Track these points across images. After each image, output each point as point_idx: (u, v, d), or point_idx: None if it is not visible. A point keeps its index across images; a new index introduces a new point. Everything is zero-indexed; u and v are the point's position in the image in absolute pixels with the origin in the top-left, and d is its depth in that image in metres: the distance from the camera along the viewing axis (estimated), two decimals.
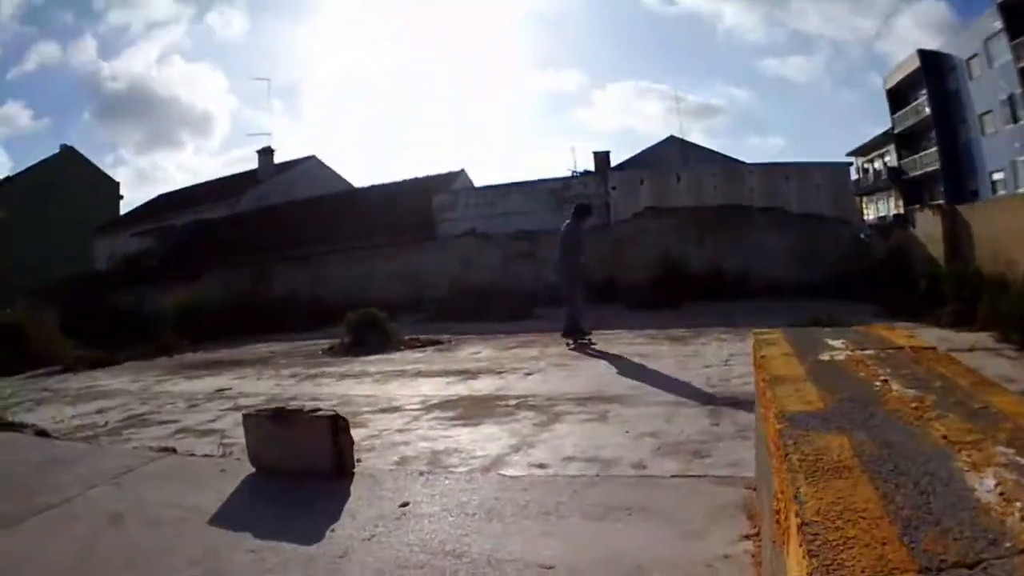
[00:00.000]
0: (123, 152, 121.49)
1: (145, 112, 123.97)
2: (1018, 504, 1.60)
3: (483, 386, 8.79)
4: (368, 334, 13.05)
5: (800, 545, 1.67)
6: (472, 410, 7.44)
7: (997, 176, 37.34)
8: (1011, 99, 35.34)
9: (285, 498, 4.61)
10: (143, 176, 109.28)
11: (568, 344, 11.64)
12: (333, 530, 3.99)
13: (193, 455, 5.96)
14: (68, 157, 51.46)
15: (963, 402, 2.33)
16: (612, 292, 18.27)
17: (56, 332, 16.07)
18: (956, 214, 14.39)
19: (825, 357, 3.15)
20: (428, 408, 7.72)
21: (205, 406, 8.57)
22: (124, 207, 51.17)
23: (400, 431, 6.76)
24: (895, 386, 2.59)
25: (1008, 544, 1.42)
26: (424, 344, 12.98)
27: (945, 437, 1.97)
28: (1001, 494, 1.66)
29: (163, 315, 17.51)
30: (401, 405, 7.96)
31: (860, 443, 1.98)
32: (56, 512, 4.54)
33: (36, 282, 28.97)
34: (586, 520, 4.05)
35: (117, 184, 55.20)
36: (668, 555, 3.52)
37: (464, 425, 6.81)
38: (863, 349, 3.28)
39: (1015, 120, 35.01)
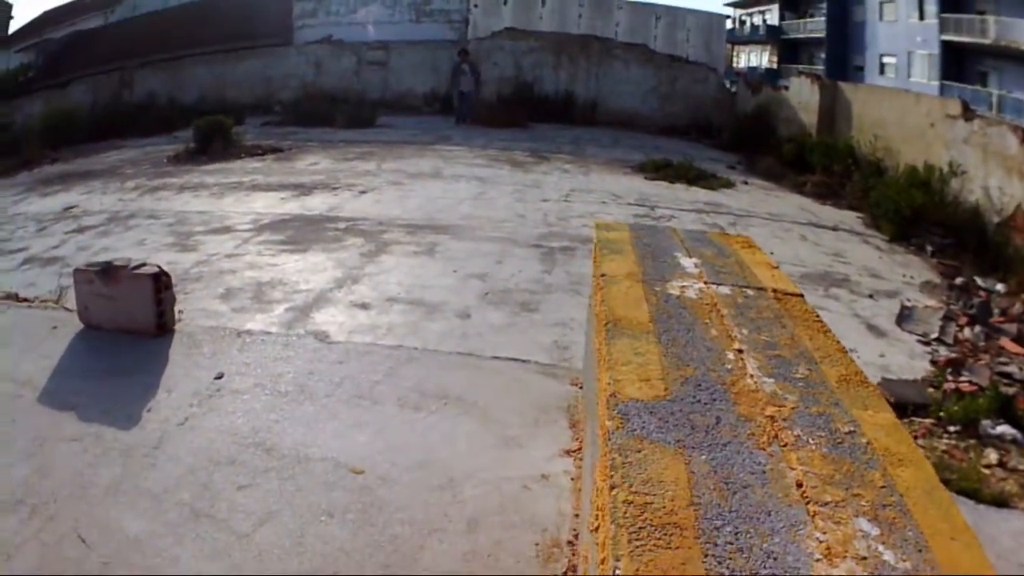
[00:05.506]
0: None
1: None
2: None
3: (316, 204, 7.90)
4: (213, 141, 11.38)
5: None
6: (301, 233, 6.68)
7: (888, 60, 30.71)
8: None
9: (109, 364, 3.93)
10: None
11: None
12: (150, 410, 3.42)
13: (31, 305, 5.01)
14: None
15: (829, 416, 1.85)
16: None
17: None
18: (838, 89, 12.13)
19: (675, 289, 2.54)
20: (259, 229, 6.87)
21: (52, 228, 7.26)
22: (14, 27, 41.99)
23: (229, 256, 6.00)
24: (751, 366, 2.08)
25: None
26: (265, 152, 11.30)
27: (801, 487, 1.54)
28: None
29: (28, 128, 14.60)
30: (233, 224, 7.04)
31: (699, 479, 1.56)
32: None
33: None
34: (401, 409, 3.46)
35: (10, 6, 45.09)
36: (484, 467, 2.97)
37: (292, 251, 6.12)
38: (718, 283, 2.62)
39: (921, 17, 28.76)
